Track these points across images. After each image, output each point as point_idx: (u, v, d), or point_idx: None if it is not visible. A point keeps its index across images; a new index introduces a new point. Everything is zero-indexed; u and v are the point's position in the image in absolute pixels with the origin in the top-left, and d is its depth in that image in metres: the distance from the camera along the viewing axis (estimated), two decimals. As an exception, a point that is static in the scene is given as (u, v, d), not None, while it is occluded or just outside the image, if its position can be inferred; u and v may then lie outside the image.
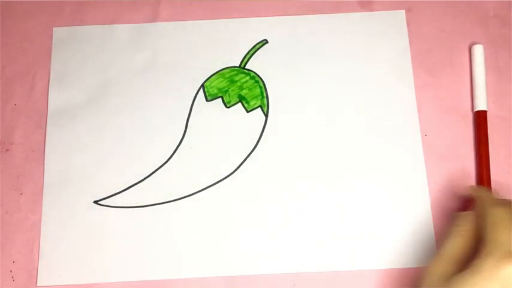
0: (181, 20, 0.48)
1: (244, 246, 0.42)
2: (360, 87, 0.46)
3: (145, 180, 0.44)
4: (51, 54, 0.48)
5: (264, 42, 0.48)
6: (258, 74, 0.47)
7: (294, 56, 0.47)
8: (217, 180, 0.44)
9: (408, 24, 0.48)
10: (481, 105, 0.44)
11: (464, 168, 0.44)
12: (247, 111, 0.46)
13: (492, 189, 0.41)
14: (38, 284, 0.42)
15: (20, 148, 0.45)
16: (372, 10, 0.48)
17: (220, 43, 0.48)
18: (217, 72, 0.47)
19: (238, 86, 0.46)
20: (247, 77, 0.47)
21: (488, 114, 0.45)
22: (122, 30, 0.48)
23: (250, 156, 0.44)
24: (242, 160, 0.44)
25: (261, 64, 0.47)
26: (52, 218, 0.43)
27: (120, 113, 0.46)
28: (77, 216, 0.43)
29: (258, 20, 0.48)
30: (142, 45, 0.48)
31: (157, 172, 0.44)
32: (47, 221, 0.43)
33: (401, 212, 0.42)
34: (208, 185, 0.44)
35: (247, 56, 0.47)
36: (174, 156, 0.45)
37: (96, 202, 0.44)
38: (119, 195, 0.44)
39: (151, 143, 0.45)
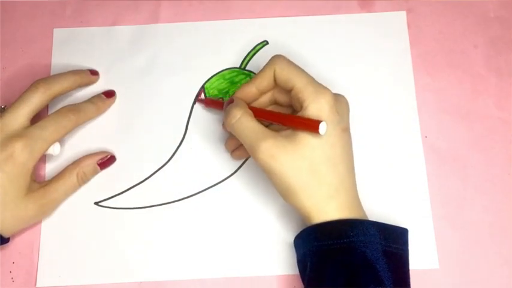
0: (181, 21, 0.48)
1: (244, 247, 0.42)
2: (360, 88, 0.46)
3: (146, 182, 0.44)
4: (52, 55, 0.48)
5: (265, 43, 0.48)
6: (259, 75, 0.47)
7: (294, 57, 0.46)
8: (217, 181, 0.44)
9: (409, 26, 0.48)
10: None
11: (464, 170, 0.44)
12: (248, 113, 0.46)
13: None
14: (37, 285, 0.41)
15: (20, 149, 0.45)
16: (372, 11, 0.48)
17: (221, 44, 0.48)
18: (217, 73, 0.47)
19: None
20: (248, 78, 0.46)
21: (489, 115, 0.45)
22: (122, 32, 0.48)
23: (250, 158, 0.44)
24: (242, 161, 0.44)
25: (261, 65, 0.46)
26: (52, 219, 0.43)
27: (120, 114, 0.46)
28: (77, 217, 0.43)
29: (259, 21, 0.48)
30: (142, 46, 0.48)
31: (157, 173, 0.44)
32: (47, 221, 0.43)
33: (401, 213, 0.42)
34: (209, 186, 0.44)
35: (248, 57, 0.47)
36: (174, 158, 0.45)
37: (96, 203, 0.44)
38: (119, 196, 0.44)
39: (151, 144, 0.45)
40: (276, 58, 0.38)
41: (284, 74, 0.37)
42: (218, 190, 0.44)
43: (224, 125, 0.38)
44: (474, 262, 0.41)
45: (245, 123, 0.37)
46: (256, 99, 0.40)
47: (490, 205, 0.43)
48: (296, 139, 0.35)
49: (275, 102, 0.41)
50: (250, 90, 0.39)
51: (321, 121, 0.34)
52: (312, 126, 0.34)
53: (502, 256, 0.41)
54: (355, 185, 0.37)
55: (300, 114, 0.36)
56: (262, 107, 0.40)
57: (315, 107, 0.35)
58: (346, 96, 0.38)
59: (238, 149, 0.43)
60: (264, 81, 0.39)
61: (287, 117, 0.37)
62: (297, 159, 0.35)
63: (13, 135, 0.39)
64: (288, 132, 0.36)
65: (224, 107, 0.39)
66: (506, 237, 0.42)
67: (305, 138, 0.35)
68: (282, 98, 0.40)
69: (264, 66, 0.39)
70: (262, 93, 0.40)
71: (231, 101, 0.39)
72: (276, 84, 0.39)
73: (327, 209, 0.35)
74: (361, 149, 0.44)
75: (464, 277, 0.41)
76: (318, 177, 0.35)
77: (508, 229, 0.42)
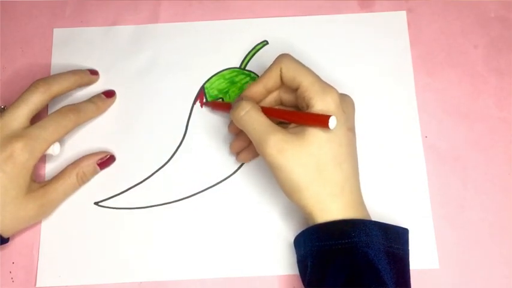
0: (181, 21, 0.48)
1: (245, 247, 0.42)
2: (360, 88, 0.46)
3: (146, 182, 0.44)
4: (51, 55, 0.48)
5: (265, 43, 0.48)
6: (259, 75, 0.47)
7: (295, 57, 0.47)
8: (217, 181, 0.44)
9: (409, 26, 0.48)
10: None
11: (464, 170, 0.44)
12: (248, 112, 0.46)
13: None
14: (37, 285, 0.41)
15: (20, 149, 0.45)
16: (372, 11, 0.48)
17: (221, 44, 0.48)
18: (217, 73, 0.47)
19: (239, 87, 0.46)
20: (248, 78, 0.46)
21: (489, 115, 0.45)
22: (122, 32, 0.48)
23: (250, 158, 0.44)
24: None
25: (261, 65, 0.47)
26: (52, 219, 0.43)
27: (120, 114, 0.46)
28: (77, 217, 0.43)
29: (258, 21, 0.48)
30: (142, 46, 0.48)
31: (157, 173, 0.44)
32: (47, 221, 0.43)
33: (401, 213, 0.42)
34: (209, 186, 0.44)
35: (248, 57, 0.47)
36: (174, 158, 0.45)
37: (96, 203, 0.44)
38: (119, 196, 0.44)
39: (151, 145, 0.45)
40: (282, 57, 0.38)
41: (290, 72, 0.37)
42: (218, 190, 0.44)
43: (231, 119, 0.38)
44: (474, 262, 0.41)
45: (254, 116, 0.37)
46: (263, 98, 0.40)
47: (490, 205, 0.43)
48: (304, 136, 0.35)
49: (280, 103, 0.41)
50: (257, 90, 0.39)
51: (331, 115, 0.34)
52: (322, 121, 0.34)
53: (502, 256, 0.41)
54: (359, 184, 0.37)
55: None
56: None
57: (322, 105, 0.35)
58: (347, 97, 0.38)
59: (243, 151, 0.43)
60: (270, 80, 0.39)
61: (296, 114, 0.38)
62: (304, 155, 0.35)
63: (13, 135, 0.39)
64: (296, 129, 0.36)
65: (232, 106, 0.39)
66: (506, 237, 0.42)
67: (313, 135, 0.35)
68: (287, 97, 0.40)
69: (270, 65, 0.39)
70: (269, 92, 0.40)
71: (240, 100, 0.39)
72: (282, 83, 0.39)
73: (331, 208, 0.35)
74: (361, 149, 0.44)
75: (464, 277, 0.41)
76: (324, 175, 0.35)
77: (508, 229, 0.42)
